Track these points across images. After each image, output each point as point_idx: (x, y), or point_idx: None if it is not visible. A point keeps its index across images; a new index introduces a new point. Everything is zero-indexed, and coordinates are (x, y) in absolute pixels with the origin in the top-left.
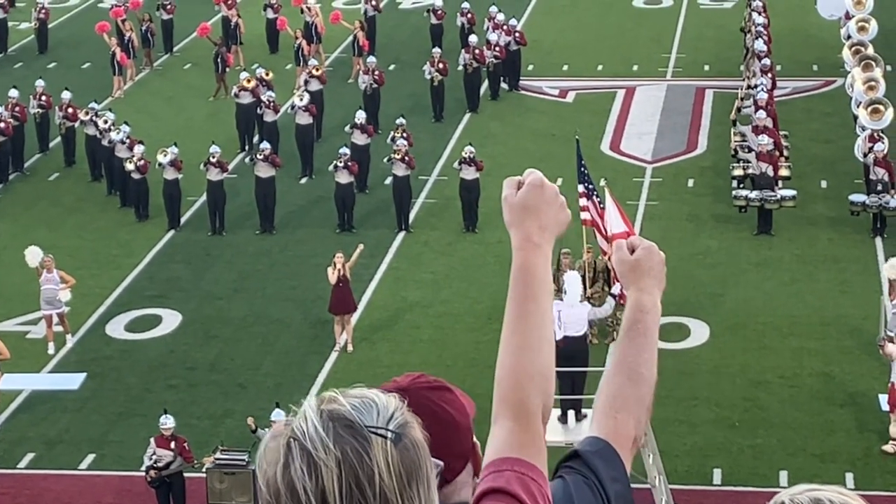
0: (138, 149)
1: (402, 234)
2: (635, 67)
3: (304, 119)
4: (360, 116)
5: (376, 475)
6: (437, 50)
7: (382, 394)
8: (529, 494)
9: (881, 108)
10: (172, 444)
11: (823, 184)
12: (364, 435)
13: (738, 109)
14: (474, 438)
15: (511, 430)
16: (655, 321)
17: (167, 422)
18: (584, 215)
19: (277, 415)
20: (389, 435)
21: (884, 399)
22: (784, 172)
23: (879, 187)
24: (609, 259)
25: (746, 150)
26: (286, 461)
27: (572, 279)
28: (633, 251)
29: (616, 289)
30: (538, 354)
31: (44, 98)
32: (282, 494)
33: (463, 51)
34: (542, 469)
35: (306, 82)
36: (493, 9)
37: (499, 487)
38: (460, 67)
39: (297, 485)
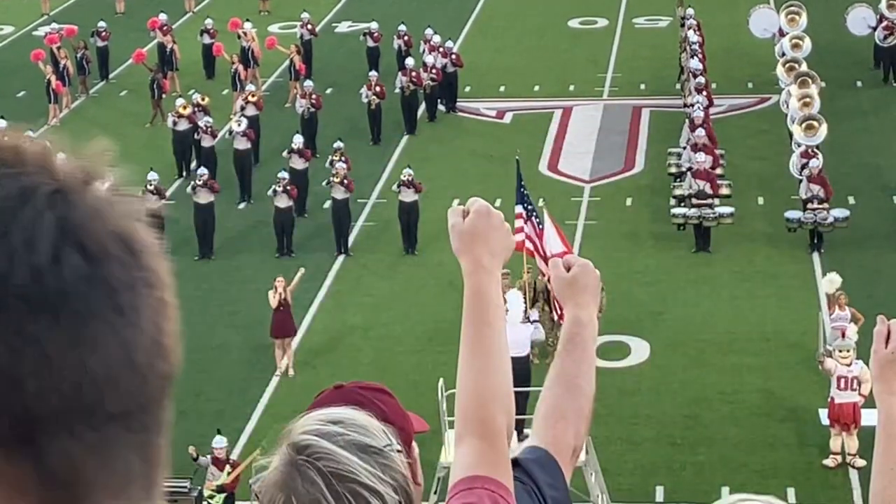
0: None
1: (341, 258)
2: (572, 88)
3: (242, 144)
4: (298, 141)
5: None
6: (373, 73)
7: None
8: None
9: (815, 124)
10: None
11: (760, 200)
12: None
13: None
14: (415, 454)
15: (479, 449)
16: (593, 335)
17: None
18: (519, 237)
19: (219, 441)
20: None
21: (824, 414)
22: (725, 191)
23: (815, 203)
24: (548, 280)
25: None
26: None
27: (513, 299)
28: (569, 269)
29: (534, 315)
30: (499, 375)
31: None
32: None
33: (400, 73)
34: (509, 487)
35: (242, 108)
36: (429, 31)
37: None
38: (397, 90)
39: None
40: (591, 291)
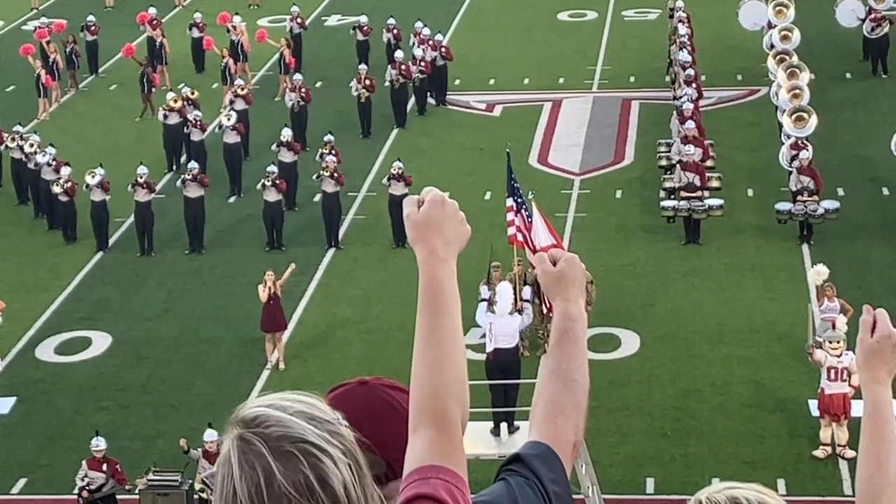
0: (65, 171)
1: (331, 251)
2: (561, 80)
3: (232, 138)
4: (286, 134)
5: None
6: (363, 66)
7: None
8: (455, 501)
9: (805, 115)
10: (104, 466)
11: (750, 192)
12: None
13: None
14: None
15: (433, 439)
16: (584, 329)
17: (99, 443)
18: (511, 230)
19: (210, 435)
20: None
21: (814, 405)
22: (714, 184)
23: (805, 195)
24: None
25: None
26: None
27: (504, 290)
28: (555, 263)
29: (527, 293)
30: (454, 365)
31: None
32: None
33: (389, 66)
34: (463, 477)
35: (231, 102)
36: (419, 24)
37: (426, 493)
38: (387, 83)
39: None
40: (579, 285)
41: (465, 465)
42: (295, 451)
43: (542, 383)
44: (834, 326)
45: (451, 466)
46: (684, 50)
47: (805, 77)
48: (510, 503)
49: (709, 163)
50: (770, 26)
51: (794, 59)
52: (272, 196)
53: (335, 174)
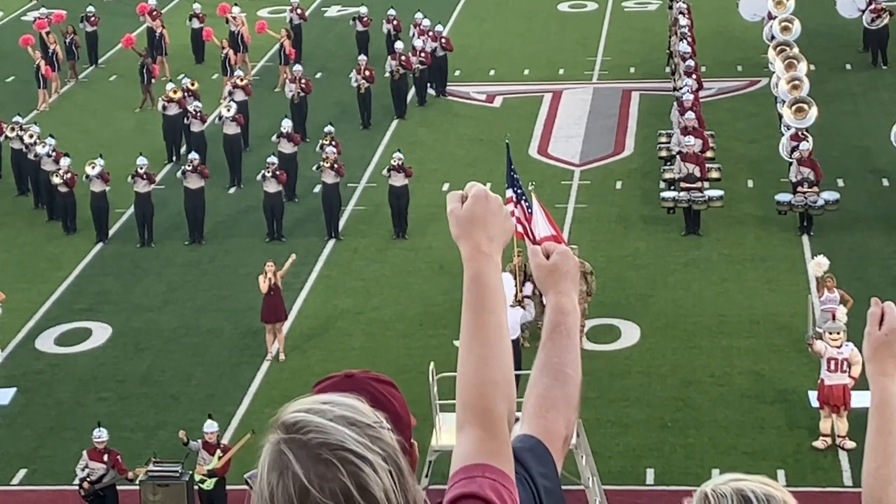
0: (64, 161)
1: (332, 242)
2: (561, 71)
3: (232, 129)
4: (286, 125)
5: None
6: (363, 57)
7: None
8: (501, 500)
9: (805, 106)
10: (105, 457)
11: (750, 183)
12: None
13: None
14: (416, 452)
15: (479, 437)
16: (576, 322)
17: (101, 435)
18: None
19: (210, 426)
20: None
21: (813, 396)
22: (714, 175)
23: (805, 186)
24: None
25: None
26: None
27: (504, 282)
28: (548, 256)
29: (528, 288)
30: (500, 363)
31: None
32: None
33: (389, 57)
34: (510, 475)
35: (231, 93)
36: (419, 15)
37: (472, 492)
38: (387, 74)
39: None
40: (572, 278)
41: (512, 463)
42: (333, 459)
43: (534, 377)
44: (834, 317)
45: (497, 465)
46: (684, 41)
47: (803, 68)
48: None
49: (709, 154)
50: (770, 17)
51: (795, 50)
52: (272, 187)
53: (335, 165)
